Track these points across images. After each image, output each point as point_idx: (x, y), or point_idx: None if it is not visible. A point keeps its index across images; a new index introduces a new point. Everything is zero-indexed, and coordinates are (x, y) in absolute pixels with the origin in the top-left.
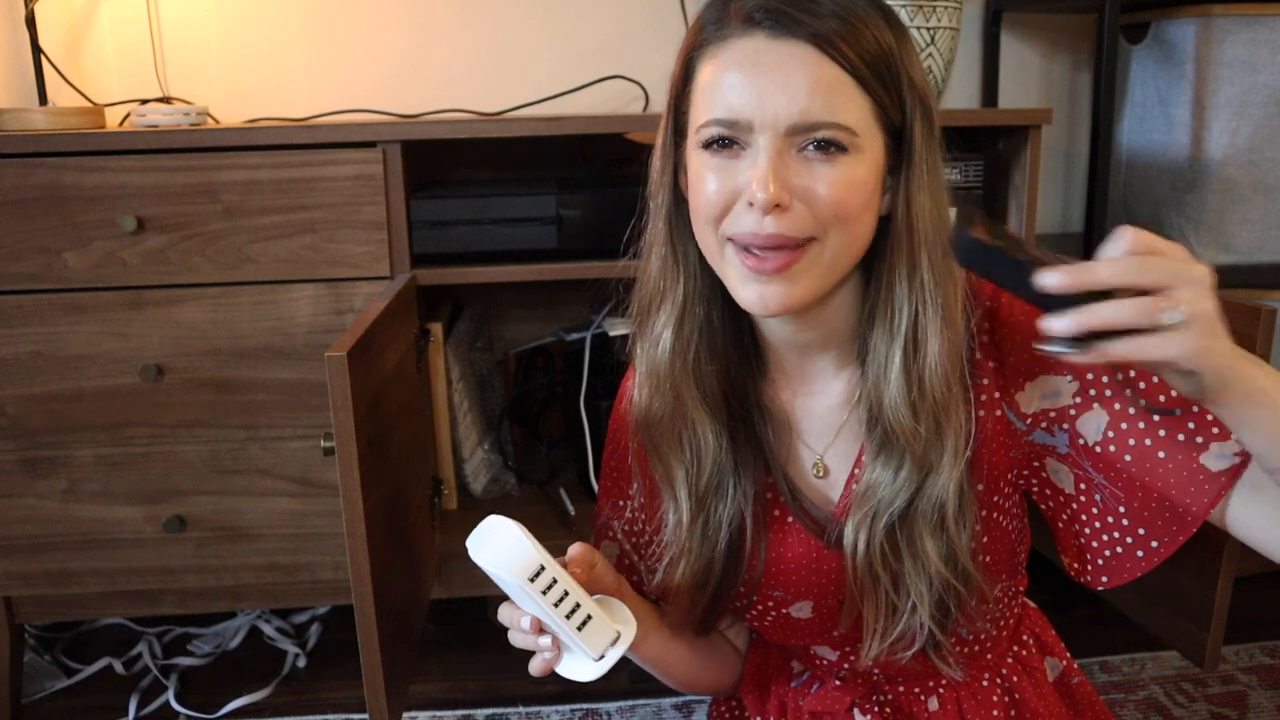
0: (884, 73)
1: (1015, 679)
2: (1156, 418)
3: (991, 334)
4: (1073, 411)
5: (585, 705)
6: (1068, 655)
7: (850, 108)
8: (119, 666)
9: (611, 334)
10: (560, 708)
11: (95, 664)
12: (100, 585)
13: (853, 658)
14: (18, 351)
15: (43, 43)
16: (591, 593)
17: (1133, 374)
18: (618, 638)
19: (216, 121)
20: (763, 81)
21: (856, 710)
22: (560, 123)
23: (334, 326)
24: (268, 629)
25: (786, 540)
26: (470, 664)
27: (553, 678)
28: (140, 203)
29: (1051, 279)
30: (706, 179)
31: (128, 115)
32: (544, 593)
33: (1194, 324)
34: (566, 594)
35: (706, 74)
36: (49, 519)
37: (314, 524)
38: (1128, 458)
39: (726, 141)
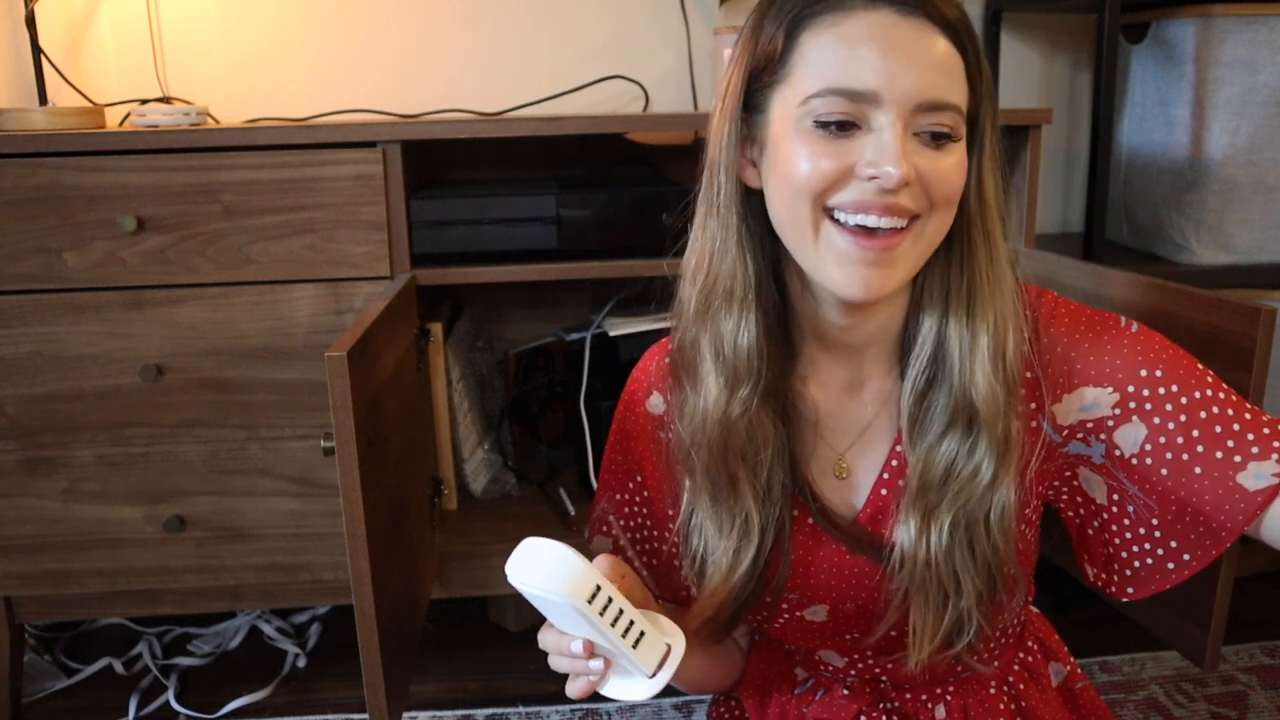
0: (978, 58)
1: (1021, 686)
2: (1197, 470)
3: (1032, 344)
4: (1110, 423)
5: (585, 705)
6: (1071, 660)
7: (961, 91)
8: (119, 666)
9: (611, 334)
10: (560, 708)
11: (95, 664)
12: (100, 585)
13: (860, 665)
14: (18, 351)
15: (43, 43)
16: None
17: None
18: (668, 651)
19: (216, 121)
20: (895, 57)
21: (863, 718)
22: (560, 123)
23: (334, 326)
24: (268, 629)
25: (819, 544)
26: (470, 664)
27: (554, 677)
28: (140, 203)
29: None
30: (809, 155)
31: (128, 115)
32: (601, 612)
33: None
34: (621, 612)
35: (823, 44)
36: (49, 519)
37: (314, 524)
38: (1164, 471)
39: (841, 123)
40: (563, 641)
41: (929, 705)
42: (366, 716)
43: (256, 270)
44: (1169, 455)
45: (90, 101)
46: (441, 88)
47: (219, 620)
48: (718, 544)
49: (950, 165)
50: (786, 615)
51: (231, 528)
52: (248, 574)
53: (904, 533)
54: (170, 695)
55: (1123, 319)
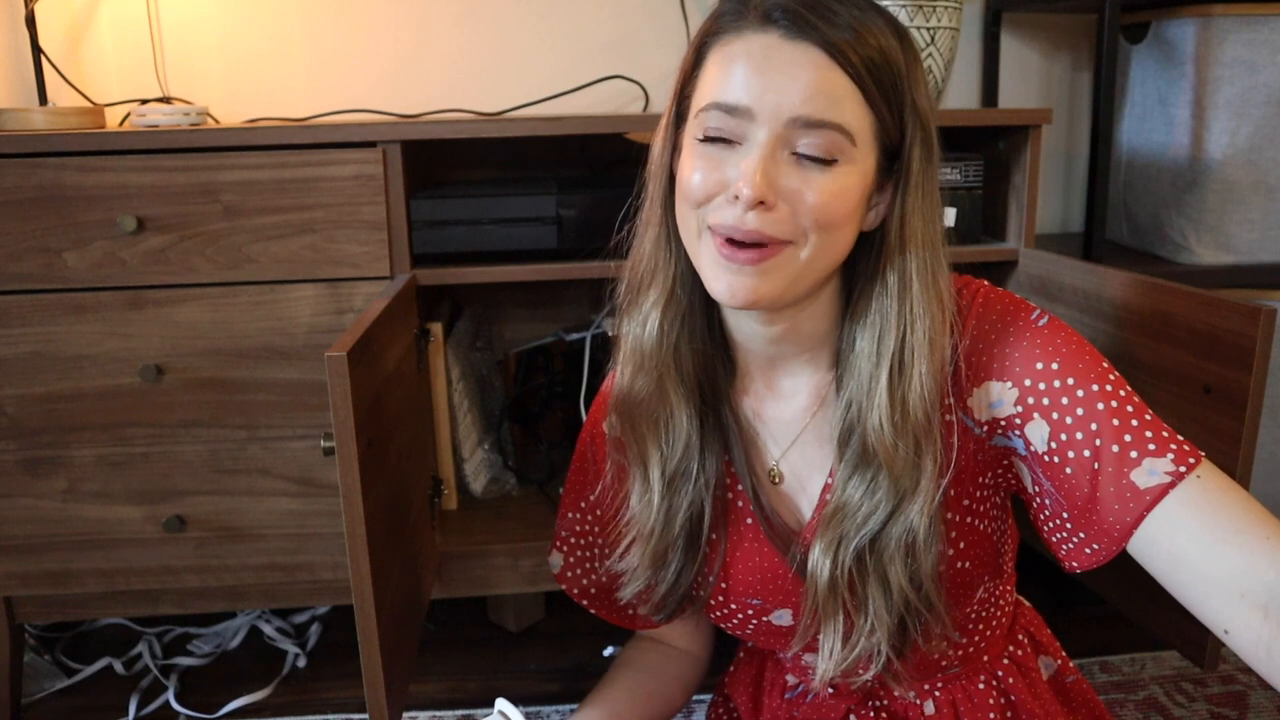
0: (889, 91)
1: (1010, 680)
2: (1096, 465)
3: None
4: (1018, 421)
5: None
6: (1063, 654)
7: (853, 115)
8: (119, 666)
9: (612, 334)
10: (560, 708)
11: (95, 664)
12: (100, 585)
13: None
14: (18, 351)
15: (43, 43)
16: None
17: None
18: None
19: (216, 121)
20: (770, 75)
21: (852, 717)
22: (560, 123)
23: (334, 326)
24: (268, 629)
25: (744, 536)
26: (470, 664)
27: (554, 677)
28: (140, 203)
29: None
30: (696, 164)
31: (128, 115)
32: None
33: None
34: None
35: (716, 61)
36: (49, 519)
37: (314, 524)
38: (1068, 470)
39: (723, 135)
40: None
41: (917, 702)
42: (366, 716)
43: (256, 270)
44: (1071, 453)
45: (90, 101)
46: (441, 88)
47: (219, 620)
48: (637, 517)
49: (826, 188)
50: (755, 621)
51: (231, 528)
52: (248, 574)
53: (814, 555)
54: (170, 695)
55: (1035, 311)
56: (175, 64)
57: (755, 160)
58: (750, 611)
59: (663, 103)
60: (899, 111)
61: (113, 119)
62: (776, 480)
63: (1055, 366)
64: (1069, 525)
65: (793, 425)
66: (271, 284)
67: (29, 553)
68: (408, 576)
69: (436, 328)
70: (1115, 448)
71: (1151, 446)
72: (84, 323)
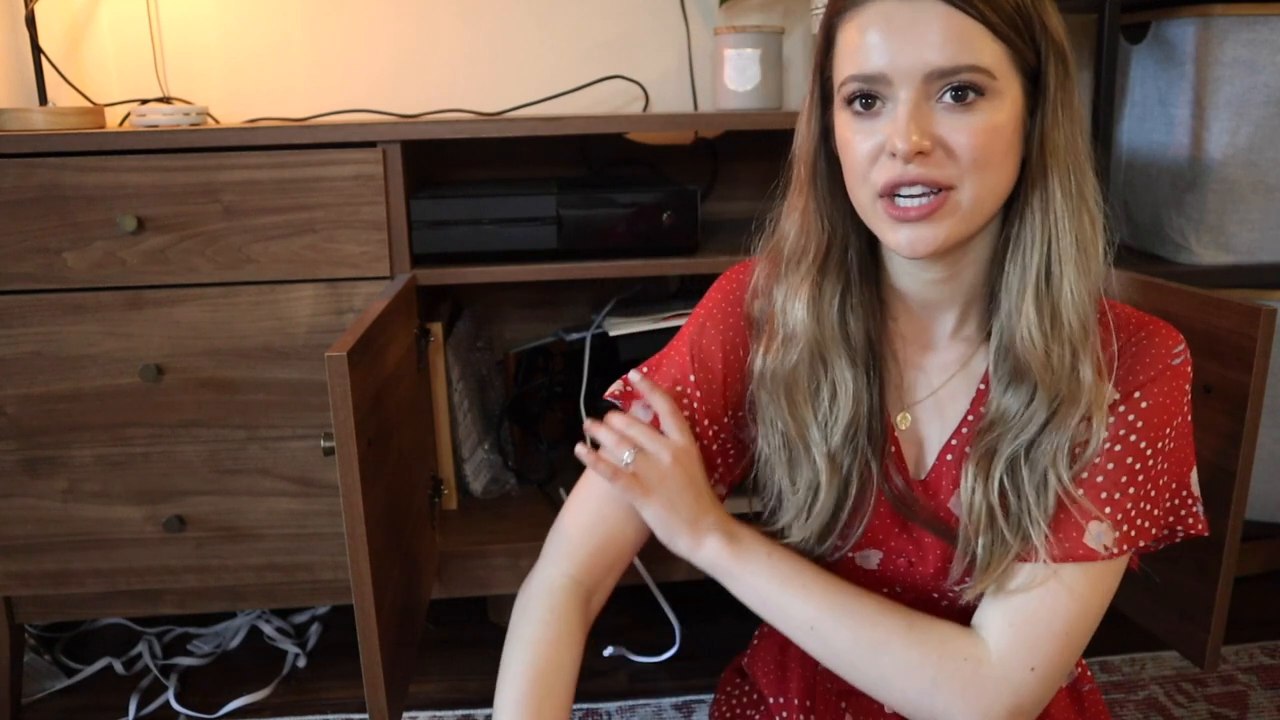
0: (1016, 20)
1: None
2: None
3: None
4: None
5: (585, 705)
6: (1082, 661)
7: (985, 52)
8: (119, 666)
9: (611, 334)
10: None
11: (95, 664)
12: (100, 585)
13: None
14: (18, 351)
15: (43, 43)
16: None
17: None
18: None
19: (216, 121)
20: (895, 39)
21: None
22: (560, 123)
23: (334, 326)
24: (268, 629)
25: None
26: (470, 664)
27: None
28: (140, 203)
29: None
30: (853, 140)
31: (128, 115)
32: None
33: (642, 479)
34: None
35: (845, 37)
36: (49, 519)
37: (314, 524)
38: (1085, 475)
39: (867, 100)
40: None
41: None
42: (366, 716)
43: (256, 270)
44: (1084, 474)
45: (90, 101)
46: (441, 88)
47: (219, 620)
48: (804, 497)
49: (975, 127)
50: (839, 554)
51: (231, 528)
52: (248, 574)
53: (965, 476)
54: (170, 695)
55: (1180, 345)
56: (175, 64)
57: (904, 116)
58: (840, 542)
59: (663, 102)
60: (1030, 35)
61: (113, 119)
62: (904, 424)
63: (1145, 405)
64: None
65: (933, 377)
66: (271, 284)
67: (29, 553)
68: (408, 576)
69: (436, 328)
70: (1112, 494)
71: (1119, 516)
72: (84, 323)
